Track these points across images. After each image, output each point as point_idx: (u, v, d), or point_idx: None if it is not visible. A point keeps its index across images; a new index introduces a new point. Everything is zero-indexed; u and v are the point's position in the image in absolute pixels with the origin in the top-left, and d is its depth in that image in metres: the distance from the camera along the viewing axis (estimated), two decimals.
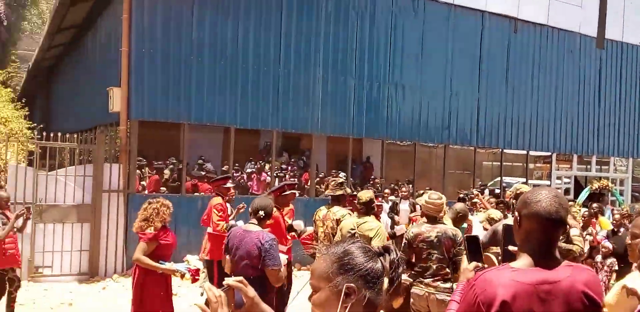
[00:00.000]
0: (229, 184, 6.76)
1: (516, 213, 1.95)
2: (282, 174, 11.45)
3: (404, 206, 9.73)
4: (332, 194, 5.77)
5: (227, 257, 4.26)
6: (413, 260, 4.52)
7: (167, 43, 9.20)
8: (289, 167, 12.59)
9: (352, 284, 1.48)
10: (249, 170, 11.83)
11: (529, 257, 1.86)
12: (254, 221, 4.21)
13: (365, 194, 5.16)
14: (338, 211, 5.60)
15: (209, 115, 9.63)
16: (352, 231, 4.91)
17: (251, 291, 1.64)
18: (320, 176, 11.65)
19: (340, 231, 5.14)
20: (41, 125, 10.71)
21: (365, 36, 11.18)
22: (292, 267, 6.59)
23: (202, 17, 9.47)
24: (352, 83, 11.04)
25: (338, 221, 5.44)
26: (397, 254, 1.63)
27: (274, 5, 10.16)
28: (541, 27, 13.68)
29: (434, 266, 4.42)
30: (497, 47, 12.98)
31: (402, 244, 4.61)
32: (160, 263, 4.55)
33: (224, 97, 9.72)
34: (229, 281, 1.62)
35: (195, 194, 9.90)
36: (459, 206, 5.74)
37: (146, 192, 9.51)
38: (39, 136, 8.51)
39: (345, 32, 10.94)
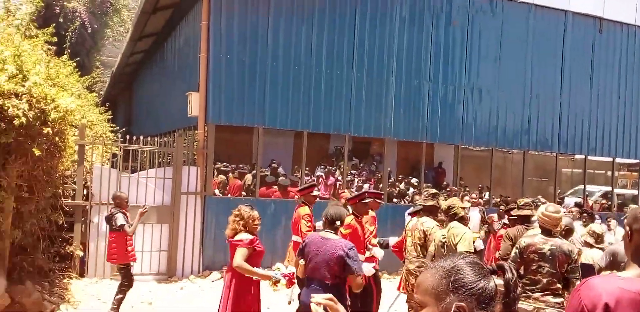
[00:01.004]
0: (316, 192, 6.83)
1: (627, 227, 1.97)
2: (351, 179, 11.39)
3: (474, 214, 9.43)
4: (423, 203, 5.65)
5: (301, 261, 4.30)
6: (521, 271, 4.36)
7: (243, 48, 9.37)
8: (360, 172, 12.52)
9: (462, 304, 1.38)
10: (318, 173, 11.87)
11: (639, 268, 1.86)
12: (331, 231, 4.28)
13: (446, 202, 5.12)
14: (426, 222, 5.50)
15: (282, 120, 9.72)
16: (443, 240, 4.87)
17: (341, 309, 1.57)
18: (390, 181, 11.48)
19: (433, 242, 5.08)
20: (123, 129, 11.17)
21: (440, 38, 10.95)
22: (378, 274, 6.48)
23: (277, 23, 9.58)
24: (426, 87, 10.83)
25: (425, 232, 5.36)
26: (513, 274, 1.52)
27: (348, 10, 10.14)
28: (628, 26, 12.90)
29: (544, 280, 4.25)
30: (580, 48, 12.34)
31: (512, 254, 4.45)
32: (256, 270, 4.57)
33: (297, 102, 9.78)
34: (317, 298, 1.55)
35: (267, 198, 9.99)
36: (566, 220, 5.53)
37: (220, 195, 9.71)
38: (122, 139, 8.87)
39: (420, 34, 10.75)
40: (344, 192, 9.52)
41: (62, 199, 8.08)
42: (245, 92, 9.38)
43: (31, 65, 6.32)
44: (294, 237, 6.41)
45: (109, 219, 6.64)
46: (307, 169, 10.79)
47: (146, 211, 6.57)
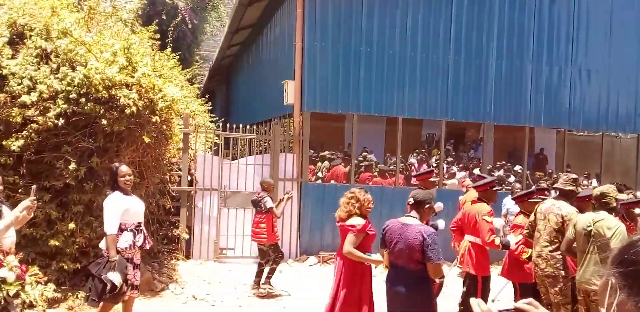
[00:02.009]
0: (434, 178, 6.69)
1: None
2: (448, 166, 11.10)
3: None
4: (561, 188, 5.37)
5: (385, 251, 4.29)
6: None
7: (338, 35, 9.36)
8: (456, 159, 12.16)
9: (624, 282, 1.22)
10: (411, 160, 11.68)
11: None
12: (414, 213, 4.17)
13: (599, 189, 4.82)
14: (564, 206, 5.19)
15: (377, 106, 9.62)
16: (588, 228, 4.57)
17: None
18: (488, 167, 11.05)
19: (573, 228, 4.79)
20: (222, 119, 11.57)
21: (544, 16, 10.31)
22: None
23: (371, 8, 9.47)
24: (529, 68, 10.27)
25: (563, 217, 5.09)
26: None
27: None
28: None
29: None
30: None
31: None
32: (367, 255, 4.58)
33: (392, 87, 9.64)
34: (521, 304, 1.44)
35: (363, 184, 9.97)
36: None
37: (319, 181, 9.83)
38: (222, 128, 9.20)
39: (522, 13, 10.18)
40: (464, 180, 9.33)
41: (169, 184, 8.53)
42: (339, 79, 9.38)
43: (139, 58, 6.69)
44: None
45: (257, 202, 7.17)
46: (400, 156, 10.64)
47: (291, 196, 7.23)
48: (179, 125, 8.44)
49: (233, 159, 9.24)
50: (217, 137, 9.40)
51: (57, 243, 5.95)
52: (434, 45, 9.80)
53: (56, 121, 5.86)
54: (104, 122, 6.07)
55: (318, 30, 9.29)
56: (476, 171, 10.74)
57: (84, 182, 6.19)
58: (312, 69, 9.27)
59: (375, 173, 10.17)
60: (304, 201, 9.18)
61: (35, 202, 4.20)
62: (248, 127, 9.05)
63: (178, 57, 9.93)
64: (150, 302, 6.56)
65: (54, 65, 6.03)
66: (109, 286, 4.50)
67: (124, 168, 4.94)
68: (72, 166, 5.96)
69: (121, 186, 4.87)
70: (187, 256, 8.72)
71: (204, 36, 26.29)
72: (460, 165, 11.91)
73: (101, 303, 4.72)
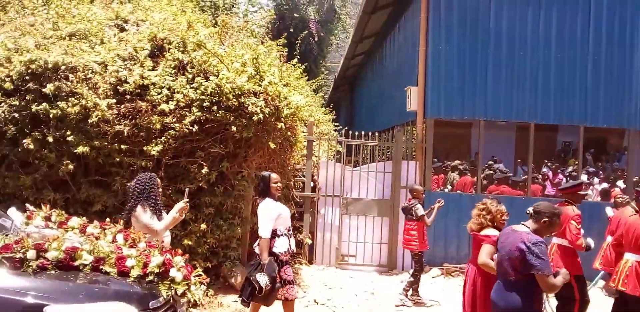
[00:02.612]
0: (584, 192, 6.29)
1: None
2: (588, 178, 10.17)
3: None
4: None
5: (495, 255, 4.05)
6: None
7: (463, 38, 9.03)
8: (597, 170, 11.12)
9: None
10: (543, 170, 10.88)
11: None
12: (529, 223, 3.86)
13: None
14: None
15: (506, 111, 9.10)
16: None
17: None
18: (635, 179, 9.92)
19: None
20: (345, 128, 11.66)
21: None
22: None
23: (499, 7, 9.02)
24: None
25: None
26: None
27: None
28: None
29: None
30: None
31: None
32: None
33: (522, 91, 9.07)
34: None
35: (489, 194, 9.45)
36: None
37: (442, 190, 9.51)
38: (344, 135, 9.25)
39: None
40: (613, 190, 8.52)
41: (293, 190, 8.74)
42: (465, 84, 9.02)
43: (267, 67, 6.95)
44: (556, 239, 5.81)
45: (409, 210, 7.20)
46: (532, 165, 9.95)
47: (442, 205, 7.15)
48: (303, 132, 8.63)
49: (355, 166, 9.24)
50: (339, 145, 9.47)
51: (190, 243, 6.31)
52: (571, 43, 9.07)
53: (191, 128, 6.24)
54: (234, 128, 6.36)
55: (443, 33, 9.03)
56: (620, 183, 9.75)
57: (215, 186, 6.53)
58: (436, 73, 9.01)
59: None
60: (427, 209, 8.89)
61: (188, 204, 4.61)
62: (370, 134, 9.00)
63: (304, 68, 10.19)
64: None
65: (190, 76, 6.45)
66: (257, 287, 4.73)
67: (274, 175, 5.28)
68: (205, 170, 6.30)
69: (273, 192, 5.20)
70: (310, 261, 8.85)
71: (329, 48, 26.91)
72: (602, 176, 10.87)
73: (251, 303, 5.00)
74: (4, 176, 5.99)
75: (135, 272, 3.35)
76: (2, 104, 5.81)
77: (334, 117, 16.13)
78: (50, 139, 5.85)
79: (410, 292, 7.07)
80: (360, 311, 6.70)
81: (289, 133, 7.14)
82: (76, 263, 3.21)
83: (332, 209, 8.83)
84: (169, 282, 3.48)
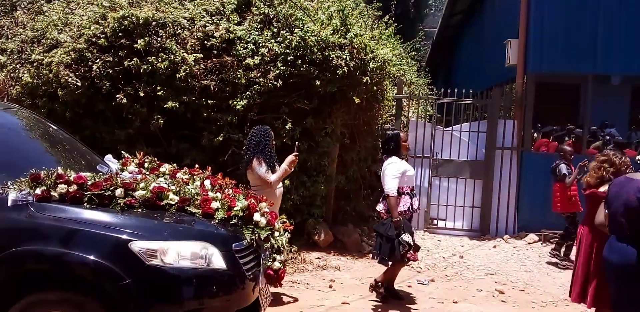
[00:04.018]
0: None
1: None
2: None
3: None
4: None
5: (605, 212, 3.58)
6: None
7: None
8: None
9: None
10: None
11: None
12: None
13: None
14: None
15: (621, 64, 8.19)
16: None
17: None
18: None
19: None
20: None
21: None
22: None
23: None
24: None
25: None
26: None
27: None
28: None
29: None
30: None
31: None
32: None
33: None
34: None
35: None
36: None
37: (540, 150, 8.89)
38: (436, 94, 8.81)
39: None
40: None
41: (381, 151, 8.50)
42: (571, 34, 8.20)
43: (353, 19, 6.69)
44: None
45: (553, 170, 7.06)
46: None
47: (585, 165, 6.54)
48: (392, 91, 8.32)
49: (447, 126, 8.83)
50: (431, 105, 9.07)
51: None
52: None
53: (275, 83, 6.17)
54: (318, 83, 6.22)
55: None
56: None
57: (297, 142, 6.45)
58: (539, 23, 8.27)
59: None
60: (524, 172, 8.36)
61: (297, 157, 4.70)
62: (464, 91, 8.50)
63: (399, 28, 9.70)
64: (356, 262, 6.62)
65: (275, 30, 6.35)
66: (403, 247, 4.78)
67: (402, 134, 5.29)
68: (289, 126, 6.24)
69: (403, 150, 5.22)
70: None
71: (427, 11, 25.87)
72: None
73: (390, 262, 4.99)
74: (101, 131, 6.25)
75: (219, 215, 3.33)
76: (98, 60, 6.02)
77: (430, 81, 15.56)
78: (142, 94, 6.00)
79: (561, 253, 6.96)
80: (447, 273, 6.46)
81: (375, 88, 6.86)
82: (162, 203, 3.23)
83: (422, 170, 8.50)
84: (252, 227, 3.44)
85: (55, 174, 3.09)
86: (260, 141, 4.83)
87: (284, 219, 3.87)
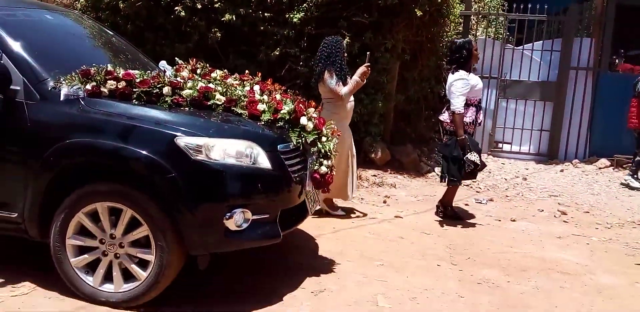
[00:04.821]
0: None
1: None
2: None
3: None
4: None
5: None
6: None
7: None
8: None
9: None
10: None
11: None
12: None
13: None
14: None
15: None
16: None
17: None
18: None
19: None
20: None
21: None
22: None
23: None
24: None
25: None
26: None
27: None
28: None
29: None
30: None
31: None
32: None
33: None
34: None
35: None
36: None
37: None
38: (507, 9, 8.19)
39: None
40: None
41: (445, 72, 8.14)
42: None
43: None
44: None
45: (634, 86, 6.69)
46: None
47: None
48: (460, 9, 7.80)
49: (518, 45, 8.27)
50: (501, 22, 8.47)
51: None
52: None
53: None
54: None
55: None
56: None
57: (357, 58, 6.25)
58: None
59: None
60: (599, 94, 7.81)
61: (370, 68, 4.56)
62: (538, 6, 7.84)
63: None
64: (413, 181, 6.56)
65: None
66: (469, 166, 4.70)
67: (474, 42, 5.03)
68: (347, 41, 6.01)
69: (474, 60, 4.96)
70: None
71: None
72: None
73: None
74: (161, 44, 6.30)
75: (265, 116, 3.30)
76: None
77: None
78: (199, 6, 5.93)
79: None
80: (508, 194, 6.29)
81: (440, 0, 6.44)
82: (209, 102, 3.22)
83: (488, 91, 8.10)
84: (299, 130, 3.39)
85: (104, 70, 3.12)
86: (331, 53, 4.69)
87: (332, 125, 3.80)
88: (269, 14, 6.01)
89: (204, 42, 6.14)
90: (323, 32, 6.17)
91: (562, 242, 4.67)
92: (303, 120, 3.41)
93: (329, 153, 3.63)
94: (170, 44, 6.26)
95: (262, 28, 6.08)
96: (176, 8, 5.99)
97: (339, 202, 5.10)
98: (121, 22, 6.22)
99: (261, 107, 3.33)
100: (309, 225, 4.61)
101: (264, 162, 3.10)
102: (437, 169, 6.98)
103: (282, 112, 3.37)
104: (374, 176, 6.41)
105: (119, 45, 4.14)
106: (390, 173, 6.62)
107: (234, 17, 5.91)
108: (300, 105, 3.49)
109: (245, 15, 6.00)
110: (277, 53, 6.07)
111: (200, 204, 2.91)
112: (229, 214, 2.92)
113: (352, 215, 5.06)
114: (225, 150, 2.99)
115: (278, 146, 3.21)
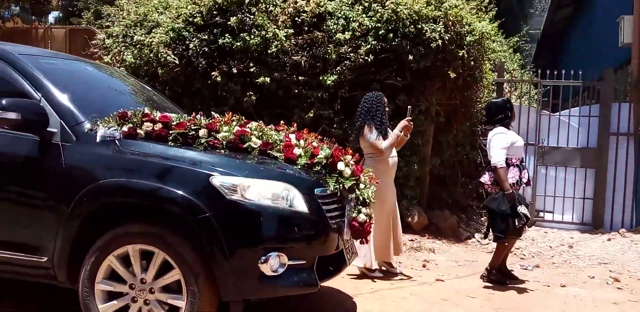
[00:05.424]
0: None
1: None
2: None
3: None
4: None
5: None
6: None
7: None
8: None
9: None
10: None
11: None
12: None
13: None
14: None
15: None
16: None
17: None
18: None
19: None
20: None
21: None
22: None
23: None
24: None
25: None
26: None
27: None
28: None
29: None
30: None
31: None
32: None
33: None
34: None
35: None
36: None
37: None
38: (540, 76, 8.19)
39: None
40: None
41: (480, 138, 8.05)
42: None
43: None
44: None
45: None
46: None
47: None
48: (491, 72, 7.87)
49: (554, 111, 8.19)
50: (534, 87, 8.47)
51: None
52: None
53: (366, 58, 6.04)
54: (410, 58, 6.01)
55: None
56: None
57: (390, 121, 6.22)
58: None
59: None
60: None
61: (412, 122, 4.53)
62: (572, 72, 7.85)
63: (501, 23, 9.15)
64: (453, 246, 6.24)
65: (366, 4, 6.23)
66: (520, 220, 4.48)
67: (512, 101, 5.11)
68: None
69: (512, 120, 4.99)
70: None
71: (532, 10, 24.68)
72: None
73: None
74: (198, 109, 6.39)
75: (302, 161, 3.22)
76: (194, 38, 6.20)
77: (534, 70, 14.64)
78: (235, 71, 6.10)
79: None
80: (554, 261, 5.89)
81: (473, 64, 6.50)
82: (244, 145, 3.17)
83: (526, 158, 7.88)
84: (336, 175, 3.28)
85: (141, 112, 3.12)
86: (372, 107, 4.71)
87: (371, 174, 3.67)
88: (302, 78, 6.12)
89: (240, 106, 6.24)
90: (357, 95, 6.24)
91: (619, 308, 4.26)
92: (340, 165, 3.30)
93: (367, 200, 3.48)
94: (207, 108, 6.35)
95: (296, 91, 6.18)
96: (213, 73, 6.16)
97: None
98: (159, 88, 6.40)
99: (297, 151, 3.25)
100: (346, 285, 4.35)
101: (301, 205, 2.97)
102: (478, 236, 6.66)
103: (318, 157, 3.28)
104: (411, 240, 6.13)
105: (157, 97, 4.21)
106: (428, 238, 6.34)
107: (268, 79, 6.03)
108: (337, 151, 3.40)
109: (279, 79, 6.12)
110: (311, 115, 6.11)
111: (235, 245, 2.77)
112: (264, 257, 2.77)
113: (391, 278, 4.76)
114: (261, 192, 2.88)
115: (315, 190, 3.08)
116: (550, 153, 7.93)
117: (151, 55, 6.25)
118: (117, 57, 6.62)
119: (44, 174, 3.00)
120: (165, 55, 6.12)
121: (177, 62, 6.15)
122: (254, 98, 6.14)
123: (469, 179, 7.84)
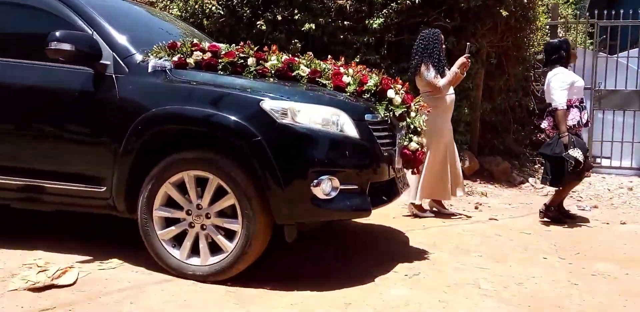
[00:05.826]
0: None
1: None
2: None
3: None
4: None
5: None
6: None
7: None
8: None
9: None
10: None
11: None
12: None
13: None
14: None
15: None
16: None
17: None
18: None
19: None
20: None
21: None
22: None
23: None
24: None
25: None
26: None
27: None
28: None
29: None
30: None
31: None
32: None
33: None
34: None
35: None
36: None
37: None
38: (597, 16, 7.76)
39: None
40: None
41: (533, 83, 7.77)
42: None
43: None
44: None
45: None
46: None
47: None
48: (545, 16, 7.52)
49: (611, 53, 7.79)
50: (591, 28, 8.03)
51: None
52: None
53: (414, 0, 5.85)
54: None
55: None
56: None
57: None
58: None
59: None
60: None
61: (470, 59, 4.44)
62: (631, 12, 7.40)
63: None
64: (505, 190, 6.13)
65: None
66: (570, 164, 4.34)
67: (570, 42, 4.87)
68: None
69: (572, 59, 4.80)
70: None
71: None
72: None
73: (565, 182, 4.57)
74: None
75: (351, 88, 3.18)
76: None
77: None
78: (280, 18, 6.04)
79: None
80: (613, 202, 5.71)
81: (525, 1, 6.21)
82: (293, 73, 3.14)
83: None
84: (386, 103, 3.23)
85: (191, 42, 3.14)
86: (428, 45, 4.57)
87: (421, 102, 3.60)
88: (348, 23, 6.01)
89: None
90: (404, 39, 6.10)
91: None
92: (390, 93, 3.25)
93: (418, 129, 3.42)
94: None
95: (341, 37, 6.08)
96: (258, 22, 6.13)
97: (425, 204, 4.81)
98: None
99: (346, 79, 3.21)
100: (397, 223, 4.35)
101: (351, 130, 2.94)
102: (532, 180, 6.52)
103: (367, 84, 3.23)
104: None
105: (202, 36, 4.22)
106: (480, 183, 6.24)
107: (313, 26, 5.95)
108: (387, 80, 3.34)
109: (324, 25, 6.03)
110: (358, 61, 6.01)
111: (286, 169, 2.76)
112: (316, 180, 2.76)
113: (443, 218, 4.74)
114: (311, 116, 2.86)
115: (366, 116, 3.05)
116: (608, 96, 7.59)
117: (196, 6, 6.26)
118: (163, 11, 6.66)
119: (99, 106, 3.06)
120: (210, 6, 6.11)
121: (222, 12, 6.14)
122: (299, 46, 6.08)
123: (521, 126, 7.63)
